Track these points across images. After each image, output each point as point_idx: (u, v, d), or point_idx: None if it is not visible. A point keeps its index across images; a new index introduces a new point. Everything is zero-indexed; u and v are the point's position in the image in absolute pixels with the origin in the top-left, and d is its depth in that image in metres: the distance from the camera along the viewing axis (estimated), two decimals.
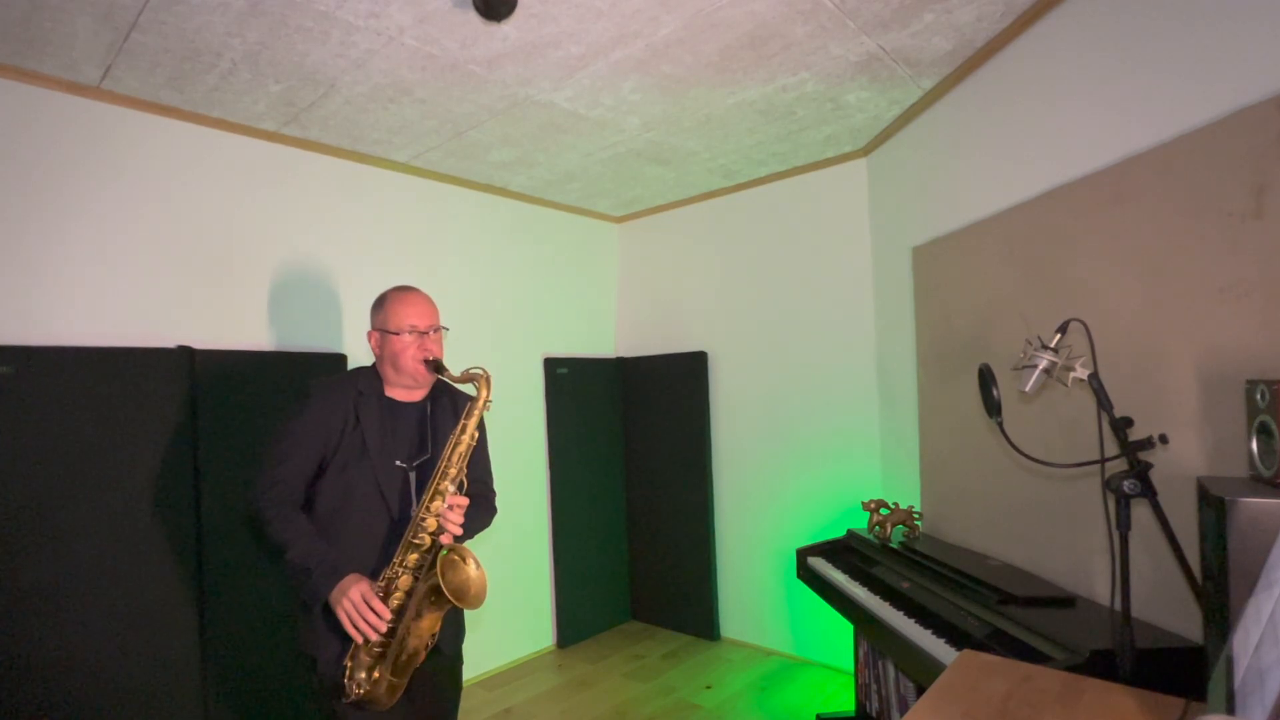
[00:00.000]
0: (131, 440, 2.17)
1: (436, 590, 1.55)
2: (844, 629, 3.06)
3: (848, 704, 2.88)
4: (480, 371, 1.71)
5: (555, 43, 2.07)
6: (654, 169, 3.29)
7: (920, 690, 2.07)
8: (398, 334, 1.69)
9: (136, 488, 2.17)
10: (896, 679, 2.35)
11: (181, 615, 2.24)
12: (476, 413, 1.70)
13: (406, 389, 1.75)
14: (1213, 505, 1.08)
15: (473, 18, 1.90)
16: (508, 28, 1.97)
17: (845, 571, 2.41)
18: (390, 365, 1.72)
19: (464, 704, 2.99)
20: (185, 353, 2.30)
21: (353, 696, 1.52)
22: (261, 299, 2.60)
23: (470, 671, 3.24)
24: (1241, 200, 1.37)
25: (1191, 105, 1.50)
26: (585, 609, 3.80)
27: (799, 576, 2.71)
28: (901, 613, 1.96)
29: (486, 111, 2.54)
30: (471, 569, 1.61)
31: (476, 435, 1.71)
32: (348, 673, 1.54)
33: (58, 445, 2.04)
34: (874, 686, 2.54)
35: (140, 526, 2.17)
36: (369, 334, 1.76)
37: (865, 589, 2.21)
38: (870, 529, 2.55)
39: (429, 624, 1.61)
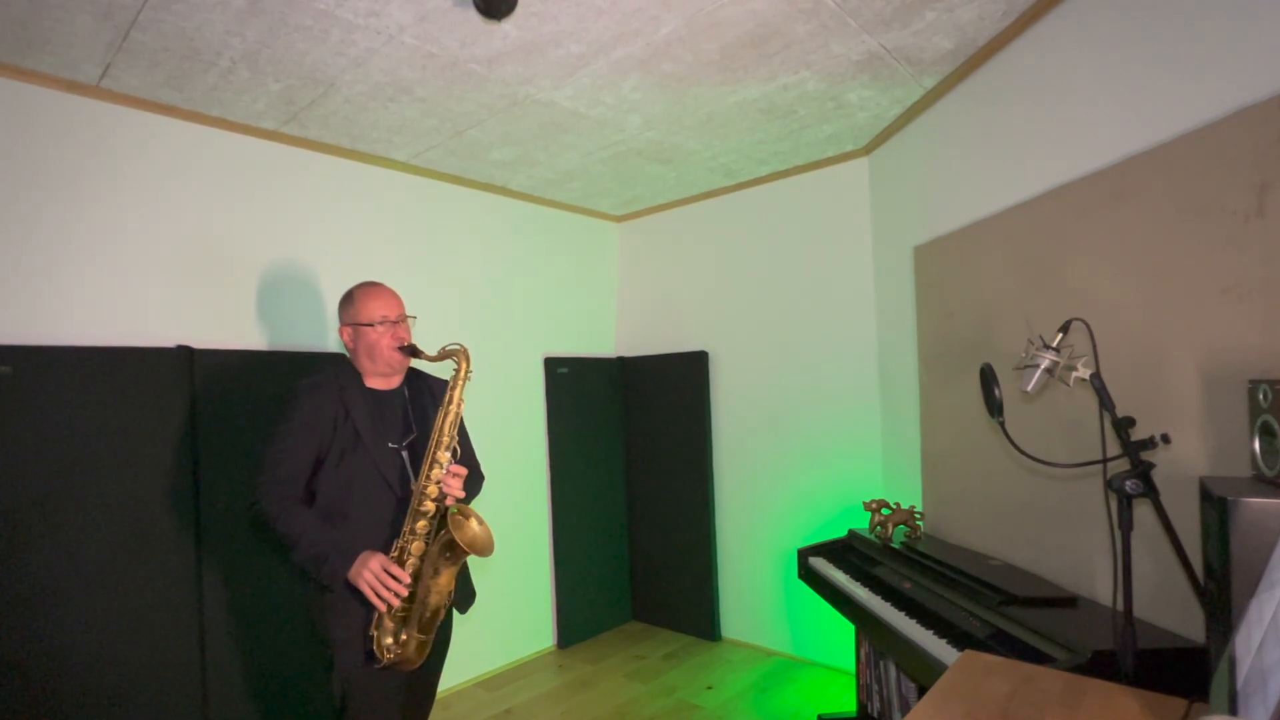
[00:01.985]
0: (131, 440, 2.17)
1: (450, 545, 1.67)
2: (845, 629, 3.05)
3: (849, 705, 2.88)
4: (457, 346, 1.84)
5: (555, 41, 2.06)
6: (654, 168, 3.28)
7: (922, 691, 2.06)
8: (371, 325, 1.81)
9: (136, 487, 2.17)
10: (898, 679, 2.35)
11: (181, 615, 2.24)
12: (460, 383, 1.82)
13: (384, 377, 1.87)
14: (1215, 505, 1.07)
15: (473, 16, 1.90)
16: (508, 26, 1.96)
17: (846, 572, 2.40)
18: (366, 356, 1.83)
19: (464, 704, 3.02)
20: (185, 353, 2.30)
21: (384, 661, 1.64)
22: (261, 298, 2.59)
23: (470, 672, 3.25)
24: (1243, 199, 1.36)
25: (1192, 104, 1.49)
26: (586, 609, 3.79)
27: (800, 577, 2.70)
28: (903, 613, 1.95)
29: (486, 110, 2.53)
30: (475, 525, 1.74)
31: (463, 403, 1.83)
32: (375, 641, 1.64)
33: (58, 445, 2.04)
34: (875, 687, 2.53)
35: (140, 526, 2.17)
36: (340, 329, 1.86)
37: (867, 589, 2.20)
38: (871, 529, 2.55)
39: (446, 580, 1.73)
